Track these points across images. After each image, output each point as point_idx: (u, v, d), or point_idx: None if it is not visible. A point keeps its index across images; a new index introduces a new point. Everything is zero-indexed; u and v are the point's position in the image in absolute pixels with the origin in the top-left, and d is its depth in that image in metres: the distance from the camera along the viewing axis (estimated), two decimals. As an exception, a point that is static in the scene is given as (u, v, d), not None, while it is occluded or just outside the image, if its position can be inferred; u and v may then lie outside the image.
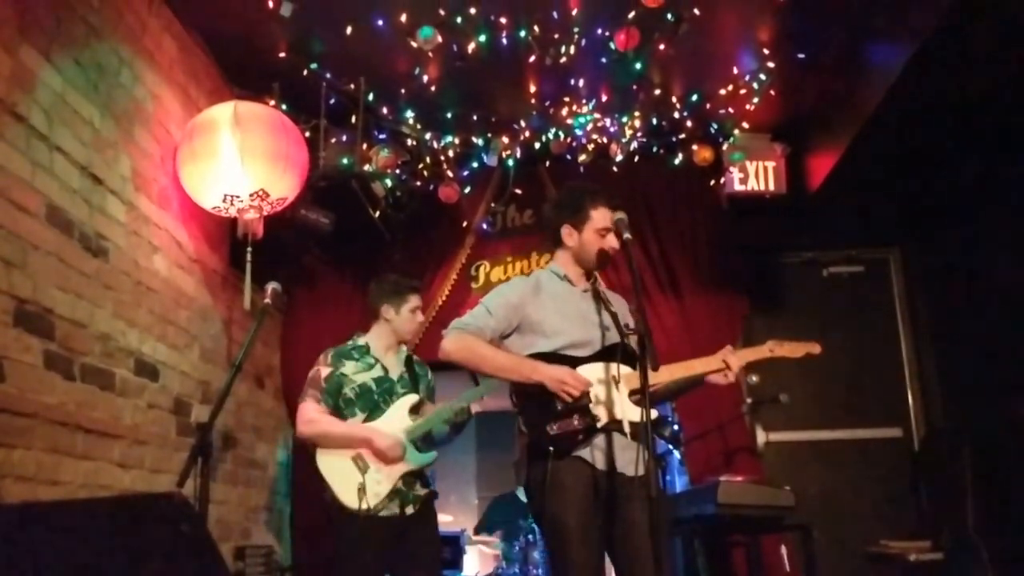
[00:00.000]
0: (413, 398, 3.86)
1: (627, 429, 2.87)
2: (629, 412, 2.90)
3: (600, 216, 3.05)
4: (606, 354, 2.98)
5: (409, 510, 3.72)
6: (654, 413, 2.85)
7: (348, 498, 3.61)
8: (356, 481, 3.60)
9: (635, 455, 2.84)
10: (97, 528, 2.04)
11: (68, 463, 3.06)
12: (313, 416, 3.76)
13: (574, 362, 2.96)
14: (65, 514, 2.12)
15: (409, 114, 5.00)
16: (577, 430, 2.88)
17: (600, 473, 2.88)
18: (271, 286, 3.36)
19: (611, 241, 3.03)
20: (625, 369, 2.95)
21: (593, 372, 2.95)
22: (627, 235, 2.91)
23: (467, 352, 3.03)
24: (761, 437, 5.44)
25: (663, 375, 2.96)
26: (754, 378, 5.30)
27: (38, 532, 2.02)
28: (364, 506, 3.56)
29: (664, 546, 2.73)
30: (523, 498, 6.81)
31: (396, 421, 3.77)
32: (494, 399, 4.48)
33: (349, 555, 3.66)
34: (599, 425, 2.89)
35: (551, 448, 2.88)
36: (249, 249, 4.20)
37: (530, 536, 5.88)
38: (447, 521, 6.87)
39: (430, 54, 4.38)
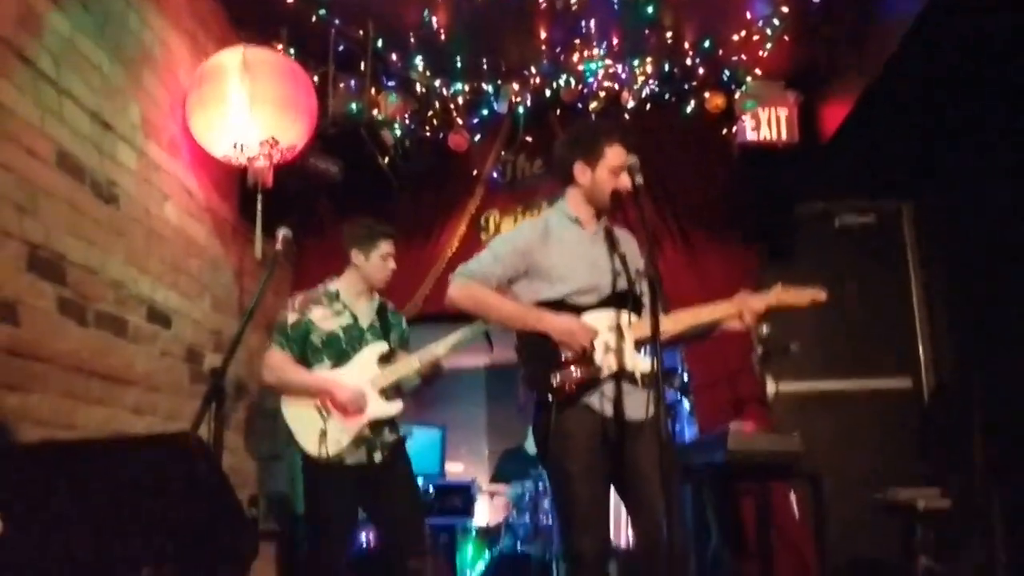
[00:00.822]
0: (382, 347, 3.81)
1: (638, 378, 2.88)
2: (638, 361, 2.90)
3: (614, 154, 3.00)
4: (614, 301, 2.96)
5: (377, 457, 3.70)
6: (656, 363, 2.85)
7: (309, 445, 3.61)
8: (318, 428, 3.59)
9: (642, 401, 2.84)
10: (114, 467, 2.06)
11: (83, 408, 3.09)
12: (276, 364, 3.73)
13: (580, 310, 2.94)
14: (82, 454, 2.14)
15: (418, 61, 4.95)
16: (579, 380, 2.88)
17: (608, 420, 2.88)
18: (282, 232, 3.36)
19: (624, 181, 2.96)
20: (633, 316, 2.93)
21: (600, 320, 2.94)
22: (639, 179, 2.87)
23: (472, 301, 3.03)
24: (771, 387, 5.43)
25: (669, 324, 2.94)
26: (764, 328, 5.30)
27: (56, 471, 2.05)
28: (323, 453, 3.55)
29: (675, 486, 2.75)
30: (530, 450, 6.89)
31: (362, 370, 3.73)
32: (504, 352, 4.47)
33: (316, 502, 3.66)
34: (603, 375, 2.88)
35: (554, 398, 2.89)
36: (259, 198, 4.19)
37: (540, 485, 5.94)
38: (458, 471, 6.95)
39: (439, -1, 4.33)
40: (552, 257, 3.02)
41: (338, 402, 3.63)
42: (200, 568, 2.03)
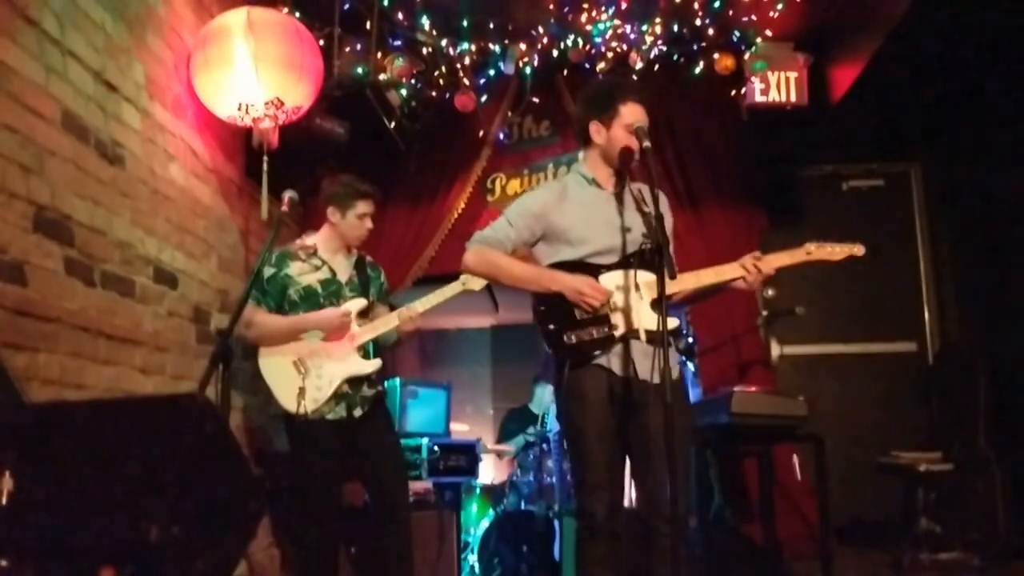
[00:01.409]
0: (361, 302, 3.82)
1: (643, 337, 2.88)
2: (647, 320, 2.90)
3: (629, 111, 2.97)
4: (631, 260, 2.93)
5: (357, 412, 3.74)
6: (671, 323, 2.82)
7: (287, 401, 3.64)
8: (296, 385, 3.62)
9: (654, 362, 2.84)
10: (122, 427, 2.09)
11: (92, 368, 3.11)
12: (252, 318, 3.71)
13: (597, 270, 2.96)
14: (91, 413, 2.16)
15: (424, 21, 4.90)
16: (594, 340, 2.91)
17: (618, 379, 2.91)
18: (288, 194, 3.35)
19: (642, 139, 2.91)
20: (649, 276, 2.88)
21: (616, 279, 2.95)
22: (646, 143, 2.86)
23: (487, 265, 3.07)
24: (775, 350, 5.46)
25: (681, 283, 2.94)
26: (770, 291, 5.30)
27: (65, 430, 2.07)
28: (302, 410, 3.59)
29: (680, 451, 2.76)
30: (536, 410, 6.93)
31: None
32: (509, 312, 4.48)
33: (300, 458, 3.70)
34: (617, 334, 2.91)
35: (568, 357, 2.93)
36: (265, 159, 4.18)
37: (544, 445, 5.98)
38: (463, 430, 6.98)
39: (446, -42, 4.27)
40: (569, 219, 3.02)
41: (322, 326, 3.68)
42: (208, 528, 2.06)
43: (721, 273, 3.03)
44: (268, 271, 3.76)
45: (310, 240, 3.87)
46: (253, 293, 3.74)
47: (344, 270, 3.87)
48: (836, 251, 3.04)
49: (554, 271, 2.99)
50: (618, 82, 3.14)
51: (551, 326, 2.98)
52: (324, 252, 3.84)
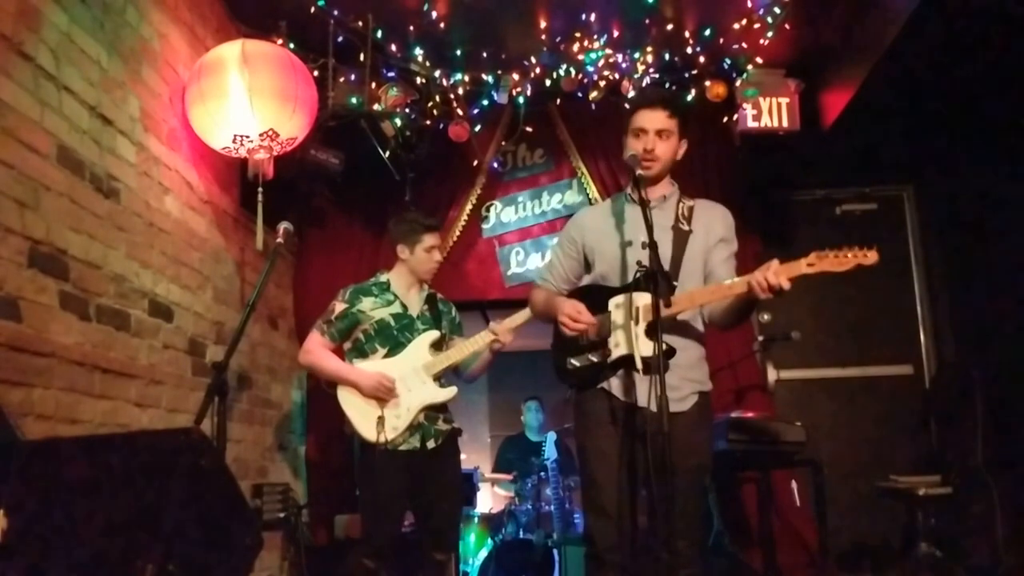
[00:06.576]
0: (434, 334, 3.91)
1: (639, 364, 2.78)
2: (643, 347, 2.79)
3: (636, 118, 2.93)
4: (639, 282, 2.78)
5: (431, 444, 3.81)
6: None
7: (367, 430, 3.71)
8: (375, 414, 3.70)
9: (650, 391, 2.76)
10: (117, 463, 2.07)
11: (86, 402, 3.09)
12: (310, 347, 3.89)
13: (608, 293, 2.92)
14: (86, 449, 2.15)
15: (418, 52, 4.92)
16: (592, 365, 2.92)
17: (621, 404, 2.87)
18: (283, 226, 3.37)
19: (644, 142, 2.89)
20: (646, 299, 2.75)
21: (620, 302, 2.89)
22: (640, 172, 2.85)
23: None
24: (772, 375, 5.45)
25: (678, 304, 2.84)
26: (766, 316, 5.30)
27: (60, 467, 2.06)
28: (382, 439, 3.66)
29: (683, 488, 2.72)
30: (531, 437, 6.91)
31: (415, 357, 3.84)
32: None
33: (369, 486, 3.75)
34: (611, 359, 2.87)
35: (571, 382, 2.99)
36: (260, 190, 4.20)
37: (542, 474, 5.96)
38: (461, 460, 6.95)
39: (438, -11, 4.31)
40: (598, 237, 3.02)
41: (363, 392, 3.74)
42: (205, 563, 2.04)
43: (734, 286, 2.79)
44: (338, 307, 3.88)
45: (383, 277, 3.99)
46: (319, 323, 3.91)
47: (416, 305, 3.97)
48: (842, 260, 2.75)
49: (560, 298, 3.00)
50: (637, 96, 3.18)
51: (557, 352, 3.03)
52: (397, 288, 3.95)
